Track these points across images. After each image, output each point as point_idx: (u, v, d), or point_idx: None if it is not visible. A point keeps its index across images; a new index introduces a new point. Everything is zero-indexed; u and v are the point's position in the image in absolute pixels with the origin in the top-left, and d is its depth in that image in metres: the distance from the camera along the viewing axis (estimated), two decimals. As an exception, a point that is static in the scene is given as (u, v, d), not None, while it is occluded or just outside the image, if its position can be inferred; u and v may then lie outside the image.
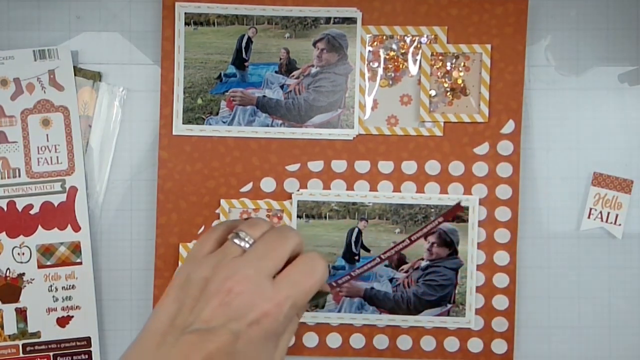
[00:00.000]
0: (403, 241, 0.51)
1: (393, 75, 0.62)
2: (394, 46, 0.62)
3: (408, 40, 0.62)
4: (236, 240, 0.44)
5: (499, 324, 0.61)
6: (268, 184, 0.62)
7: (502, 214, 0.61)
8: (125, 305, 0.62)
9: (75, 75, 0.61)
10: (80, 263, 0.61)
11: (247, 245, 0.44)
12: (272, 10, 0.61)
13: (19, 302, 0.60)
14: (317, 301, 0.49)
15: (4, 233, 0.60)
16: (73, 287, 0.61)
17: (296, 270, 0.43)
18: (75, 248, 0.61)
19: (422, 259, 0.61)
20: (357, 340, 0.61)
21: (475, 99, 0.62)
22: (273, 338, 0.42)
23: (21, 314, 0.60)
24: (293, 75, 0.62)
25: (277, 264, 0.43)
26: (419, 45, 0.62)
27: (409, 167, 0.61)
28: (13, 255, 0.60)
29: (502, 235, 0.61)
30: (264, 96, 0.61)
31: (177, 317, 0.41)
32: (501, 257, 0.61)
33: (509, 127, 0.61)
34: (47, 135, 0.61)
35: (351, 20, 0.61)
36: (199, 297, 0.41)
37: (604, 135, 0.63)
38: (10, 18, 0.62)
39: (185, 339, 0.40)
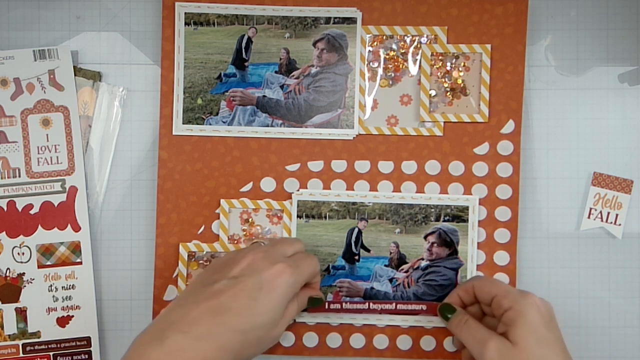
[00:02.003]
0: None
1: (393, 75, 0.62)
2: (394, 46, 0.62)
3: (408, 40, 0.62)
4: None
5: (499, 324, 0.61)
6: (268, 184, 0.61)
7: (502, 214, 0.61)
8: (125, 305, 0.62)
9: (75, 75, 0.61)
10: (80, 263, 0.61)
11: None
12: (272, 10, 0.61)
13: (19, 302, 0.60)
14: (312, 306, 0.59)
15: (4, 233, 0.60)
16: (73, 287, 0.61)
17: (297, 256, 0.56)
18: (75, 248, 0.61)
19: (422, 259, 0.61)
20: (357, 340, 0.61)
21: (475, 99, 0.62)
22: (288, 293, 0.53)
23: (21, 313, 0.60)
24: (293, 75, 0.61)
25: (286, 251, 0.55)
26: (419, 45, 0.62)
27: (409, 167, 0.61)
28: (13, 255, 0.60)
29: (502, 235, 0.61)
30: (264, 96, 0.61)
31: (203, 279, 0.53)
32: (501, 257, 0.61)
33: (509, 127, 0.61)
34: (47, 135, 0.61)
35: (351, 20, 0.61)
36: (224, 266, 0.53)
37: (604, 135, 0.63)
38: (10, 18, 0.62)
39: (213, 287, 0.51)
